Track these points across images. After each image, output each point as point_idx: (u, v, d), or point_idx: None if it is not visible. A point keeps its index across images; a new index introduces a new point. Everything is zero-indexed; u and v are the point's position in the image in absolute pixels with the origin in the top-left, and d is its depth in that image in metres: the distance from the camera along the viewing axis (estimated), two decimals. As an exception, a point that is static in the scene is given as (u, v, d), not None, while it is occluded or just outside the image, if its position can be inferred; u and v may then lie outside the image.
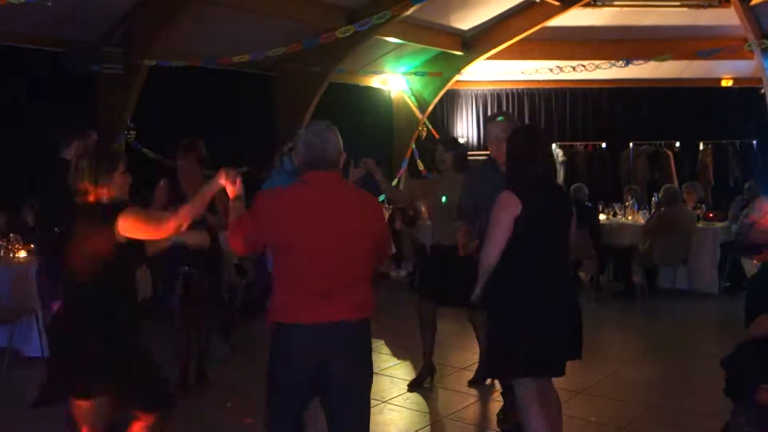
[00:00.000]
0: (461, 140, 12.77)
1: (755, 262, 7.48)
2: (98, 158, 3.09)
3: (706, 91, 12.22)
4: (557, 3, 9.93)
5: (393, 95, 12.08)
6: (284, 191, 2.98)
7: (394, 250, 8.95)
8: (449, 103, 13.26)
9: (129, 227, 2.99)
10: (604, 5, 10.20)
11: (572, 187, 9.09)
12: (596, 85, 12.51)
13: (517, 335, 3.26)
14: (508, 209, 3.25)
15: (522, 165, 3.35)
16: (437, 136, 12.22)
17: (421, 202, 8.34)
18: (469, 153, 12.86)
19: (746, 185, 9.11)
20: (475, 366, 5.29)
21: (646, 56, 9.36)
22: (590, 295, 8.33)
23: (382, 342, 6.45)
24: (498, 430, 4.40)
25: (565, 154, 12.49)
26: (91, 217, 3.04)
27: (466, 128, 13.38)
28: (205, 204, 3.24)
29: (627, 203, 9.33)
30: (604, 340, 6.69)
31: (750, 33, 9.35)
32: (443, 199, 4.93)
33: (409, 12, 8.57)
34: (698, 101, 12.24)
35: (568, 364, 3.40)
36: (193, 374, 5.04)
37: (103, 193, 3.05)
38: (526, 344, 3.23)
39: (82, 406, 3.03)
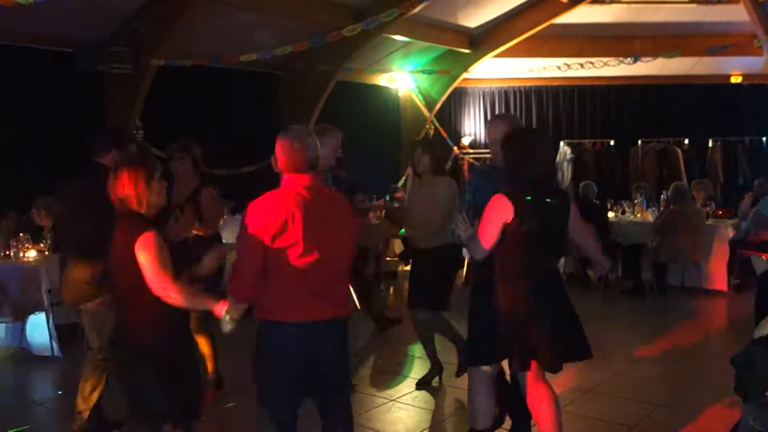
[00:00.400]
0: (468, 138, 12.88)
1: (764, 257, 7.45)
2: (137, 167, 3.06)
3: (715, 88, 12.14)
4: (565, 0, 9.90)
5: (400, 93, 12.07)
6: (273, 195, 3.00)
7: (402, 248, 8.96)
8: (457, 101, 13.24)
9: (140, 251, 2.95)
10: (612, 2, 10.17)
11: (581, 184, 9.07)
12: (604, 82, 12.45)
13: (488, 328, 3.33)
14: (499, 212, 3.23)
15: (517, 168, 3.31)
16: (445, 135, 12.23)
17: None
18: (476, 152, 12.89)
19: (756, 182, 9.05)
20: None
21: (655, 53, 9.32)
22: (599, 293, 8.32)
23: (390, 340, 6.45)
24: (506, 429, 4.39)
25: (573, 152, 12.46)
26: (126, 226, 3.02)
27: (473, 126, 13.36)
28: (196, 306, 3.10)
29: (635, 201, 9.30)
30: (612, 338, 6.67)
31: (760, 29, 9.29)
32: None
33: (416, 10, 8.54)
34: (707, 98, 12.17)
35: (577, 363, 3.41)
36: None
37: (143, 201, 3.04)
38: (515, 339, 3.29)
39: None
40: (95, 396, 4.13)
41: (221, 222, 4.97)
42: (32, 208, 6.55)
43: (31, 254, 6.18)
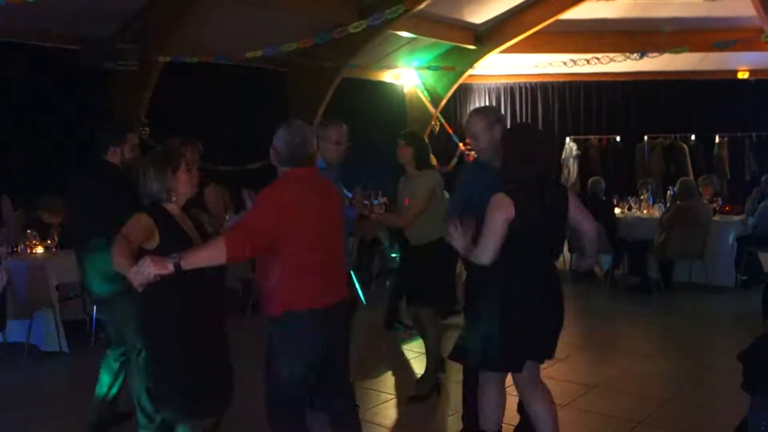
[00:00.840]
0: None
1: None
2: (159, 163, 3.07)
3: (722, 83, 12.09)
4: (570, -5, 9.87)
5: (406, 90, 12.05)
6: (282, 186, 3.11)
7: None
8: (462, 97, 13.22)
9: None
10: (618, -3, 10.13)
11: (590, 180, 9.05)
12: (610, 78, 12.41)
13: (496, 332, 3.26)
14: (501, 211, 3.17)
15: (515, 166, 3.26)
16: (450, 131, 12.21)
17: None
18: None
19: (763, 178, 9.02)
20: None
21: (661, 48, 9.28)
22: (605, 290, 8.30)
23: (395, 336, 6.45)
24: (512, 425, 4.38)
25: (579, 148, 12.44)
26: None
27: (479, 122, 13.32)
28: (118, 267, 2.95)
29: (642, 197, 9.27)
30: (619, 335, 6.67)
31: (766, 24, 9.23)
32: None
33: (421, 6, 8.55)
34: (714, 93, 12.12)
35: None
36: None
37: (173, 194, 3.07)
38: (509, 339, 3.25)
39: None
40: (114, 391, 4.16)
41: (227, 217, 4.97)
42: (39, 207, 6.57)
43: (39, 251, 6.20)
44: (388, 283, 8.65)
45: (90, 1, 6.94)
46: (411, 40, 10.42)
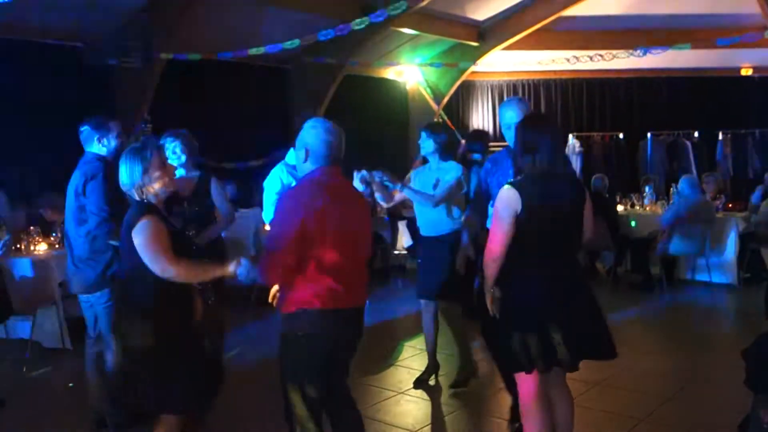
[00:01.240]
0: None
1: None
2: (131, 157, 3.12)
3: (725, 80, 12.08)
4: (573, -8, 9.86)
5: (408, 87, 12.05)
6: (306, 189, 3.03)
7: (410, 241, 8.95)
8: (465, 94, 13.21)
9: (137, 236, 3.01)
10: (621, -6, 10.12)
11: (593, 177, 9.04)
12: (613, 75, 12.40)
13: (514, 331, 3.18)
14: (508, 205, 3.14)
15: (521, 157, 3.23)
16: (453, 128, 12.19)
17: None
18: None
19: (766, 174, 9.01)
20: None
21: (665, 45, 9.26)
22: (608, 287, 8.30)
23: (398, 333, 6.46)
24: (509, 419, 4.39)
25: (582, 145, 12.42)
26: (130, 216, 3.09)
27: (481, 119, 13.33)
28: (201, 279, 3.19)
29: (645, 194, 9.26)
30: (622, 332, 6.63)
31: (770, 21, 9.23)
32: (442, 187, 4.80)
33: (424, 3, 8.55)
34: (717, 90, 12.10)
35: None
36: None
37: (148, 190, 3.10)
38: (524, 340, 3.15)
39: None
40: None
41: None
42: (40, 205, 6.58)
43: (42, 248, 6.21)
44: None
45: (93, -2, 6.95)
46: (414, 36, 10.41)
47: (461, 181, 4.81)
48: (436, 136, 4.93)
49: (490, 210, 3.63)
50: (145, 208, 3.08)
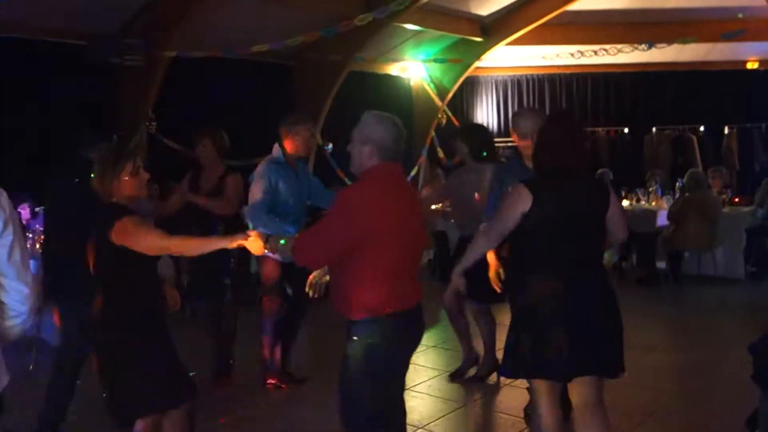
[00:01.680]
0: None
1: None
2: (106, 160, 3.15)
3: (731, 74, 12.00)
4: (578, -14, 9.81)
5: (412, 83, 12.01)
6: (370, 186, 2.93)
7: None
8: (469, 89, 13.17)
9: (122, 237, 3.01)
10: (626, -12, 10.06)
11: (597, 172, 9.02)
12: (618, 70, 12.33)
13: (523, 334, 3.11)
14: (516, 199, 3.10)
15: (536, 157, 3.22)
16: (457, 124, 12.16)
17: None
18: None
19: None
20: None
21: (670, 39, 9.21)
22: (614, 282, 8.27)
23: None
24: (520, 417, 4.38)
25: (587, 140, 12.37)
26: (101, 218, 3.11)
27: (486, 115, 13.30)
28: (204, 251, 3.28)
29: (650, 189, 9.24)
30: (628, 327, 6.56)
31: (776, 14, 9.17)
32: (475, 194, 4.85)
33: (427, -2, 8.51)
34: (723, 84, 12.03)
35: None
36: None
37: (115, 194, 3.13)
38: (532, 344, 3.07)
39: None
40: None
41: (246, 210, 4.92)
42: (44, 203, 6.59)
43: (47, 246, 6.22)
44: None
45: (96, -4, 6.94)
46: (417, 32, 10.38)
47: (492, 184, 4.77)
48: (468, 139, 5.17)
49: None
50: (117, 208, 3.11)
